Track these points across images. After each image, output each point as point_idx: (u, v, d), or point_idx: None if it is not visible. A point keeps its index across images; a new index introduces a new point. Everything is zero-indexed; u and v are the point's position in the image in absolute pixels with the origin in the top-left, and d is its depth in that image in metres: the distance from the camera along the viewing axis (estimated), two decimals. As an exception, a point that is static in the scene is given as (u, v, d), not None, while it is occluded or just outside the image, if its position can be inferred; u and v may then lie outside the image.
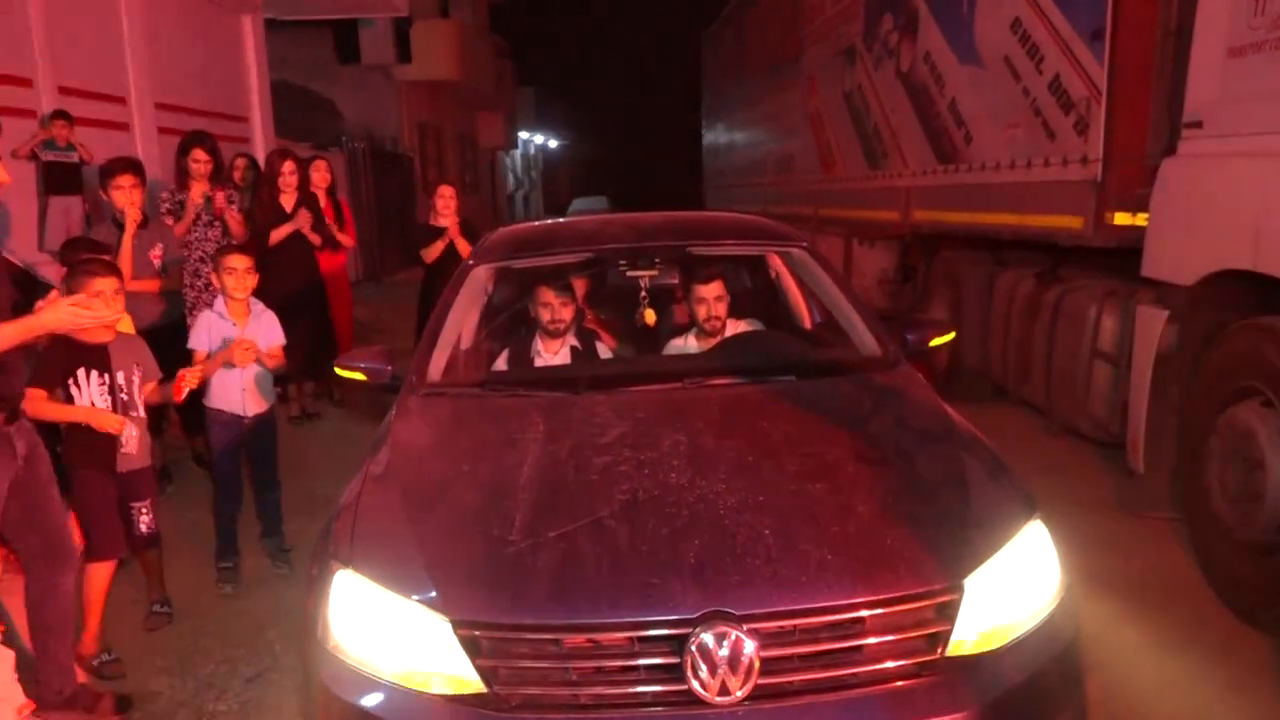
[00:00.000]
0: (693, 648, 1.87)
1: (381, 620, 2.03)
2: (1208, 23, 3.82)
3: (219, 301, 3.99)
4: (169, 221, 5.58)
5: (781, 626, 1.91)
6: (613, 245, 3.68)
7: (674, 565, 1.98)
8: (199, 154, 5.70)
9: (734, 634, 1.87)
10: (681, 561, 1.98)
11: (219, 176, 5.96)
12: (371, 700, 1.98)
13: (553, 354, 3.57)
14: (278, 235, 6.05)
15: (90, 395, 3.26)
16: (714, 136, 17.85)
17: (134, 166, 4.82)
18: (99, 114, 8.82)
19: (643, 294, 3.86)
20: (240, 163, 6.82)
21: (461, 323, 3.43)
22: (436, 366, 3.10)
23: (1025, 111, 5.52)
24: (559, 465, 2.38)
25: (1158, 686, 3.00)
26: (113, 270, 3.32)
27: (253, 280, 3.96)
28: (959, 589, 1.97)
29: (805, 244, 3.61)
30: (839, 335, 3.35)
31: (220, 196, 5.78)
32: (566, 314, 3.55)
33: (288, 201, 6.23)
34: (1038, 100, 5.37)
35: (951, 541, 2.06)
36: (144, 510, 3.45)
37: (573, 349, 3.60)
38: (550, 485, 2.30)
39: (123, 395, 3.32)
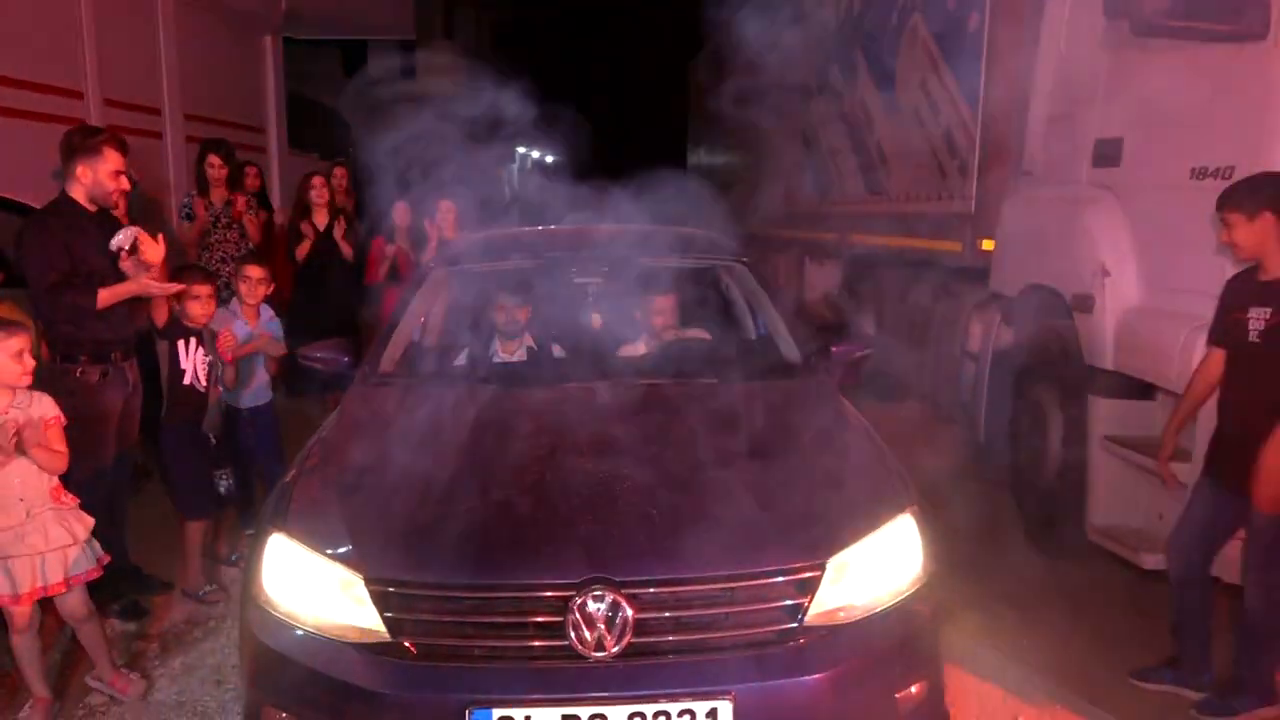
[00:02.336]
0: (574, 608, 2.14)
1: (306, 578, 2.30)
2: (1038, 95, 4.93)
3: (234, 301, 4.43)
4: (183, 227, 5.91)
5: (656, 593, 2.18)
6: (566, 254, 4.08)
7: (565, 536, 2.27)
8: (214, 159, 6.00)
9: (611, 597, 2.14)
10: (572, 533, 2.28)
11: (236, 181, 6.19)
12: (293, 646, 2.25)
13: (509, 354, 3.87)
14: (301, 252, 6.23)
15: (195, 361, 3.89)
16: (696, 159, 19.02)
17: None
18: (137, 124, 9.87)
19: (590, 299, 4.25)
20: (251, 170, 6.84)
21: (418, 320, 3.81)
22: (389, 359, 3.44)
23: (928, 155, 6.64)
24: (481, 448, 2.70)
25: (965, 598, 4.02)
26: (210, 278, 4.05)
27: (264, 289, 4.37)
28: (820, 568, 2.25)
29: (746, 260, 3.98)
30: (770, 345, 3.69)
31: (240, 201, 6.07)
32: (521, 316, 3.85)
33: (320, 218, 6.38)
34: (935, 147, 6.49)
35: (820, 527, 2.34)
36: (224, 476, 4.07)
37: (529, 349, 3.91)
38: (470, 465, 2.59)
39: (216, 371, 3.98)
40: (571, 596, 2.14)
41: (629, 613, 2.14)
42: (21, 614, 2.94)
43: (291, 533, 2.37)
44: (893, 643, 2.29)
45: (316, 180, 6.50)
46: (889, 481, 2.59)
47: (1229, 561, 3.15)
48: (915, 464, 2.88)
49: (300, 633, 2.25)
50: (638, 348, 3.85)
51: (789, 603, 2.23)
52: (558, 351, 3.87)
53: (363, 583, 2.21)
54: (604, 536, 2.27)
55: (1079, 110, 4.44)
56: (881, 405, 6.12)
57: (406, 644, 2.17)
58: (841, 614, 2.26)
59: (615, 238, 4.06)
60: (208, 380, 3.95)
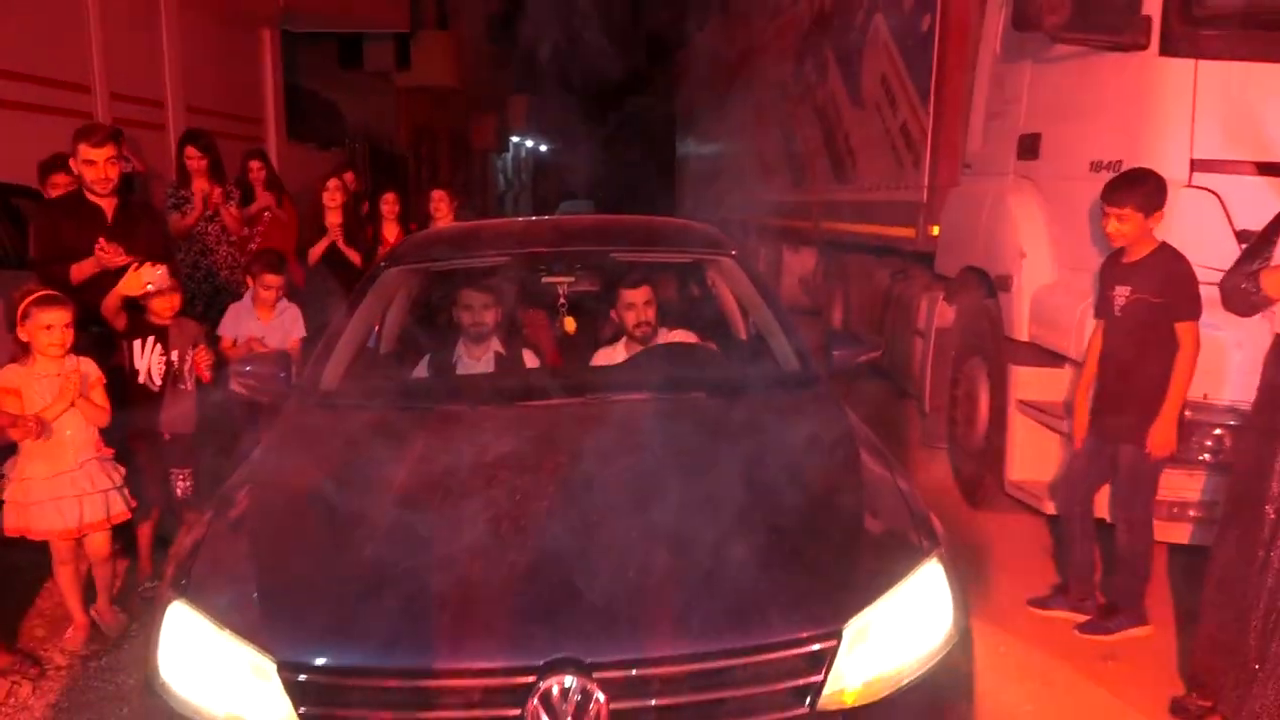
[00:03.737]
0: (535, 699, 1.74)
1: (210, 659, 1.89)
2: (980, 93, 5.40)
3: (247, 297, 4.54)
4: (174, 218, 5.77)
5: (636, 676, 1.79)
6: (534, 249, 3.58)
7: (523, 606, 1.86)
8: (190, 151, 5.90)
9: (581, 684, 1.75)
10: (532, 602, 1.86)
11: (216, 172, 6.04)
12: None
13: (476, 360, 3.52)
14: (315, 253, 6.12)
15: (149, 361, 3.84)
16: (685, 148, 19.46)
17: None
18: (142, 116, 10.32)
19: (561, 301, 3.88)
20: (254, 164, 6.70)
21: (368, 327, 3.33)
22: (332, 374, 2.94)
23: (887, 146, 7.10)
24: (425, 490, 2.26)
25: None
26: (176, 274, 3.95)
27: (280, 292, 4.53)
28: (835, 636, 1.86)
29: (733, 252, 3.48)
30: (763, 348, 3.23)
31: (218, 192, 5.92)
32: (488, 317, 3.51)
33: (333, 219, 6.24)
34: (894, 139, 6.96)
35: (832, 583, 1.95)
36: (182, 476, 3.93)
37: (497, 355, 3.55)
38: (409, 513, 2.16)
39: (174, 368, 3.87)
40: (532, 684, 1.75)
41: (602, 701, 1.75)
42: (66, 548, 3.42)
43: (194, 600, 1.94)
44: None
45: (332, 183, 6.37)
46: (909, 520, 2.18)
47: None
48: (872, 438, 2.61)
49: None
50: (616, 352, 3.54)
51: (800, 682, 1.84)
52: (528, 357, 3.58)
53: (275, 668, 1.80)
54: (572, 605, 1.84)
55: (1009, 108, 4.90)
56: (848, 384, 6.66)
57: None
58: (862, 692, 1.87)
59: (590, 229, 3.82)
60: (163, 379, 3.88)
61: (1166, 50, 3.55)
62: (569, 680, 1.75)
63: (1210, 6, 3.49)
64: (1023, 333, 4.39)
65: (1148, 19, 3.61)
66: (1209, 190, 3.47)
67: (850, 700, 1.86)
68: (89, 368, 3.43)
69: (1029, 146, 4.57)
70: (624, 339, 3.56)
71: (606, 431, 2.55)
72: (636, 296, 3.48)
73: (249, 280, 4.67)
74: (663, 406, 2.74)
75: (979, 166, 5.29)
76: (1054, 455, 4.23)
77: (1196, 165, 3.49)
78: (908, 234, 6.61)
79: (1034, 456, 4.29)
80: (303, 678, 1.81)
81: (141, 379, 3.84)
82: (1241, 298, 2.83)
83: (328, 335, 3.10)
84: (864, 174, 7.74)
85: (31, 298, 3.32)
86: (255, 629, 1.86)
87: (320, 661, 1.83)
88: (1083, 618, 3.63)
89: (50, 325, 3.31)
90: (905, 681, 1.91)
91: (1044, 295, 4.30)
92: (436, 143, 23.87)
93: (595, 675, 1.76)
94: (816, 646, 1.86)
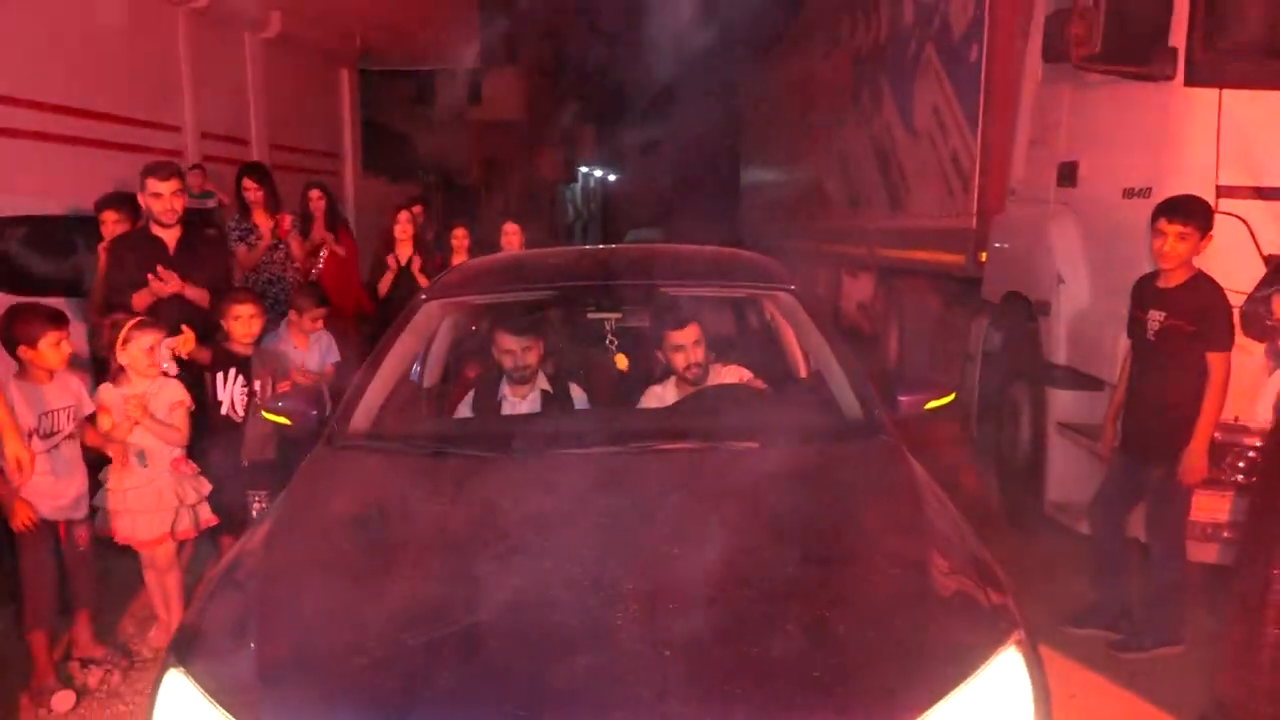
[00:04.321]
0: None
1: None
2: (1023, 120, 5.50)
3: (283, 326, 4.53)
4: (241, 249, 5.89)
5: None
6: (579, 282, 3.41)
7: (536, 696, 1.66)
8: (248, 183, 6.07)
9: None
10: (546, 692, 1.67)
11: (272, 203, 6.14)
12: None
13: (521, 398, 3.39)
14: (384, 286, 6.18)
15: (231, 393, 4.01)
16: (748, 176, 19.67)
17: (122, 203, 4.81)
18: (228, 153, 10.89)
19: (610, 339, 3.77)
20: (314, 194, 6.71)
21: (403, 362, 3.15)
22: (365, 414, 2.79)
23: (938, 174, 7.20)
24: (444, 553, 2.12)
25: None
26: (251, 298, 4.14)
27: (319, 323, 4.60)
28: None
29: (792, 287, 3.21)
30: (822, 392, 2.98)
31: (288, 220, 6.09)
32: (531, 359, 3.37)
33: (403, 252, 6.31)
34: (945, 166, 7.06)
35: (893, 678, 1.70)
36: (258, 499, 3.97)
37: (544, 394, 3.42)
38: (424, 578, 2.00)
39: (257, 399, 3.98)
40: None
41: None
42: (152, 555, 3.72)
43: (192, 671, 1.81)
44: None
45: (402, 215, 6.47)
46: (985, 599, 1.91)
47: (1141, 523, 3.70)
48: (921, 459, 2.43)
49: None
50: (667, 391, 3.35)
51: None
52: (576, 395, 3.45)
53: None
54: (588, 698, 1.66)
55: (1049, 136, 5.01)
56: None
57: None
58: None
59: (640, 260, 3.61)
60: (246, 410, 4.02)
61: (1191, 80, 3.64)
62: None
63: (1233, 37, 3.58)
64: (1061, 357, 4.47)
65: (1174, 50, 3.71)
66: (1235, 216, 3.54)
67: None
68: (172, 391, 3.72)
69: (1067, 174, 4.67)
70: (673, 379, 3.35)
71: (647, 488, 2.36)
72: (684, 338, 3.24)
73: (293, 313, 4.62)
74: (710, 459, 2.53)
75: (1022, 193, 5.38)
76: (1091, 477, 4.28)
77: (1222, 191, 3.56)
78: (958, 260, 6.69)
79: (1072, 478, 4.35)
80: None
81: (224, 410, 4.00)
82: (1257, 323, 2.91)
83: (363, 370, 2.95)
84: (917, 201, 7.84)
85: (133, 323, 3.64)
86: (246, 705, 1.71)
87: None
88: (1116, 636, 3.69)
89: (151, 348, 3.60)
90: None
91: (1081, 320, 4.38)
92: (507, 174, 24.47)
93: None
94: None
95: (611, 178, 38.60)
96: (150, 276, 4.14)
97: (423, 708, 1.67)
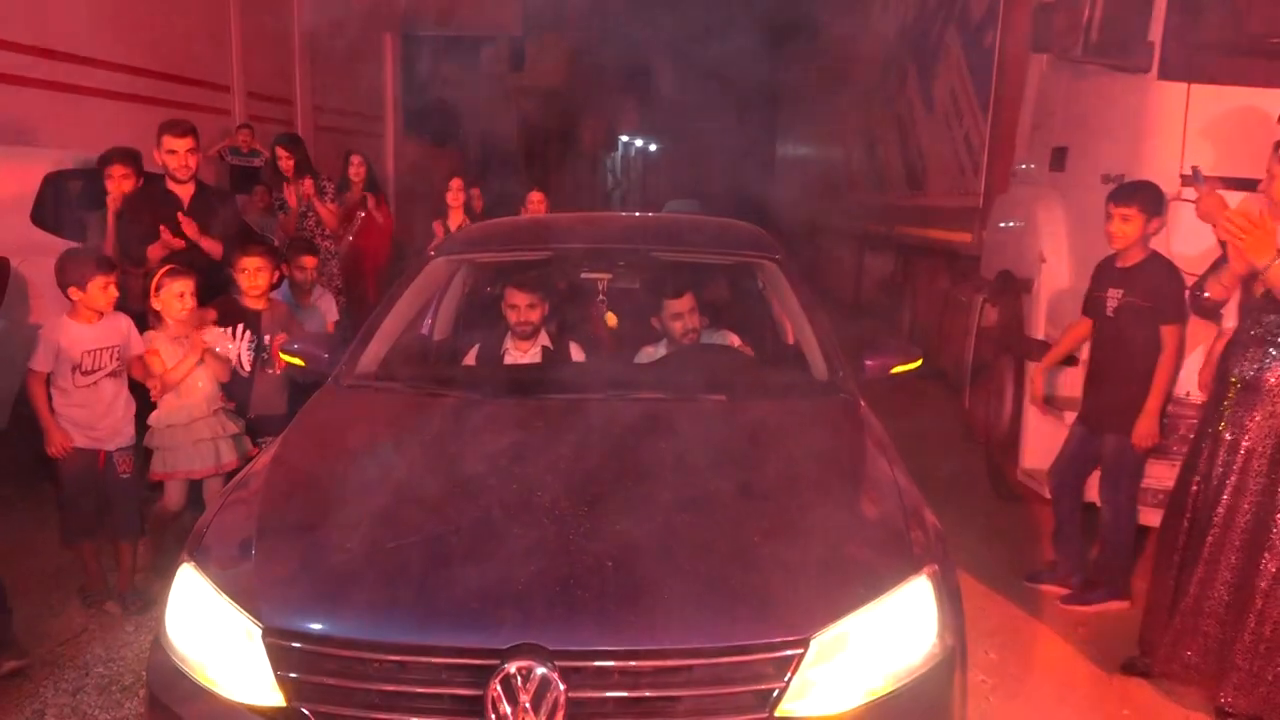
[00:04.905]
0: (496, 681, 1.79)
1: (208, 621, 2.00)
2: (1028, 105, 5.70)
3: (284, 286, 4.59)
4: (280, 217, 6.14)
5: (597, 667, 1.83)
6: (576, 245, 3.67)
7: (498, 591, 1.90)
8: (280, 151, 6.34)
9: (540, 670, 1.79)
10: (507, 588, 1.90)
11: (302, 171, 6.30)
12: (183, 704, 1.97)
13: (522, 353, 3.60)
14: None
15: (240, 347, 4.05)
16: (782, 151, 19.81)
17: (125, 156, 4.77)
18: (273, 114, 11.32)
19: (600, 298, 3.96)
20: (355, 159, 6.95)
21: (407, 314, 3.37)
22: (370, 358, 3.04)
23: (952, 155, 7.40)
24: (430, 473, 2.37)
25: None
26: (260, 251, 4.19)
27: (310, 278, 4.81)
28: (802, 644, 1.86)
29: (777, 257, 3.45)
30: (795, 355, 3.26)
31: (308, 183, 6.19)
32: (533, 315, 3.57)
33: (454, 220, 6.50)
34: (958, 148, 7.26)
35: (808, 592, 1.94)
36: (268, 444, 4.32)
37: (545, 349, 3.63)
38: (411, 494, 2.26)
39: (264, 354, 4.09)
40: (495, 666, 1.80)
41: (561, 689, 1.79)
42: (213, 485, 3.94)
43: (202, 565, 2.08)
44: None
45: (454, 183, 6.62)
46: (904, 533, 2.15)
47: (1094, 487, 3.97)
48: (917, 431, 2.81)
49: (197, 688, 1.97)
50: (658, 351, 3.59)
51: (761, 687, 1.85)
52: (575, 352, 3.66)
53: (260, 633, 1.90)
54: (543, 594, 1.90)
55: (1048, 121, 5.22)
56: (912, 384, 7.00)
57: (304, 711, 1.87)
58: (828, 703, 1.88)
59: (635, 227, 3.90)
60: (251, 364, 4.08)
61: (1164, 74, 3.85)
62: (530, 665, 1.79)
63: (1202, 35, 3.78)
64: (1040, 331, 4.72)
65: (1151, 44, 3.92)
66: (1194, 203, 3.76)
67: (812, 709, 1.86)
68: (210, 334, 3.95)
69: (1058, 158, 4.88)
70: (665, 340, 3.59)
71: (617, 429, 2.57)
72: (681, 306, 3.48)
73: (284, 269, 4.65)
74: (678, 409, 2.75)
75: (1021, 175, 5.60)
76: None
77: (1186, 180, 3.79)
78: (965, 238, 6.92)
79: (1044, 447, 4.60)
80: (283, 644, 1.89)
81: (233, 364, 4.02)
82: (1198, 303, 3.16)
83: (370, 319, 3.23)
84: (932, 181, 8.05)
85: (164, 270, 3.92)
86: (247, 596, 1.96)
87: (300, 630, 1.91)
88: (1066, 591, 3.97)
89: (182, 293, 3.88)
90: (876, 696, 1.90)
91: (1059, 298, 4.61)
92: (547, 141, 24.71)
93: (556, 663, 1.80)
94: (782, 653, 1.85)
95: (652, 148, 38.72)
96: (163, 228, 4.32)
97: (397, 596, 1.94)
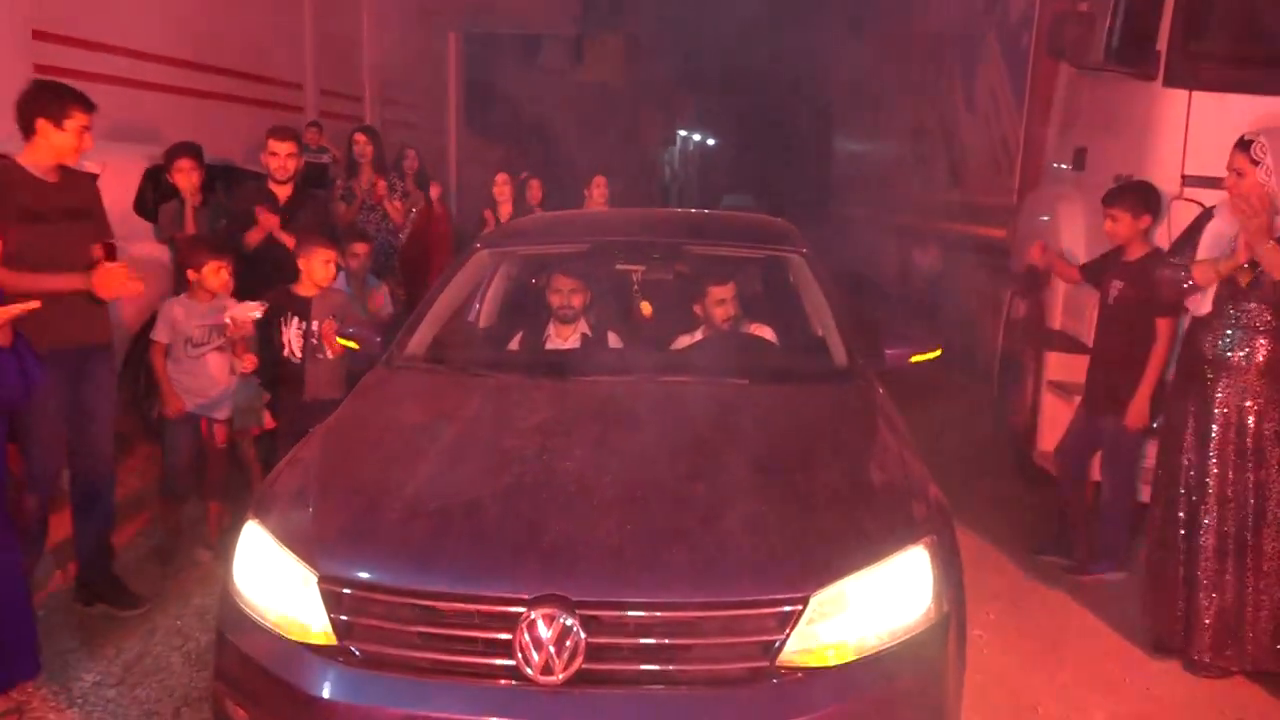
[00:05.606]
0: (524, 626, 1.98)
1: (271, 571, 2.23)
2: (1058, 106, 5.94)
3: (341, 277, 4.75)
4: (340, 207, 6.16)
5: (615, 616, 2.02)
6: (614, 238, 4.00)
7: (526, 547, 2.13)
8: (359, 137, 6.48)
9: (563, 617, 1.98)
10: (535, 544, 2.13)
11: (381, 164, 6.47)
12: (251, 642, 2.20)
13: (563, 340, 3.76)
14: None
15: (290, 335, 4.19)
16: (837, 146, 19.98)
17: (191, 151, 5.05)
18: (343, 110, 11.88)
19: (635, 288, 4.24)
20: (410, 153, 7.09)
21: (457, 302, 3.64)
22: (419, 341, 3.30)
23: (990, 153, 7.64)
24: (470, 444, 2.62)
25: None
26: (331, 246, 4.32)
27: (367, 262, 5.15)
28: (802, 601, 2.03)
29: (804, 251, 3.69)
30: (818, 344, 3.44)
31: (381, 185, 6.31)
32: (576, 301, 3.76)
33: (504, 212, 6.67)
34: (995, 146, 7.50)
35: (811, 554, 2.13)
36: None
37: (584, 336, 3.81)
38: (452, 460, 2.52)
39: (313, 340, 4.17)
40: (523, 613, 2.01)
41: (581, 636, 1.98)
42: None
43: (265, 521, 2.33)
44: (882, 693, 2.08)
45: (500, 177, 6.82)
46: (906, 505, 2.35)
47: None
48: (953, 417, 3.05)
49: (259, 628, 2.20)
50: (694, 339, 3.76)
51: (763, 638, 2.04)
52: (613, 340, 3.84)
53: (316, 580, 2.14)
54: (568, 549, 2.13)
55: (1071, 123, 5.48)
56: (948, 374, 7.28)
57: (353, 649, 2.10)
58: (825, 655, 2.05)
59: (669, 222, 4.18)
60: (303, 350, 4.20)
61: (1168, 82, 4.12)
62: (554, 613, 1.99)
63: (1204, 46, 4.04)
64: (1057, 321, 5.00)
65: (1159, 53, 4.19)
66: (1196, 202, 4.02)
67: (810, 660, 2.03)
68: (239, 308, 4.04)
69: (1079, 159, 5.15)
70: (701, 328, 3.76)
71: (644, 407, 2.82)
72: (725, 292, 3.66)
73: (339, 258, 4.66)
74: (704, 390, 2.96)
75: (1050, 173, 5.86)
76: (1074, 429, 4.82)
77: (1187, 180, 4.05)
78: (1000, 234, 7.17)
79: (1058, 431, 4.88)
80: (335, 589, 2.12)
81: (286, 352, 4.20)
82: (1175, 287, 3.43)
83: (419, 308, 3.50)
84: (972, 178, 8.29)
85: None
86: (304, 546, 2.20)
87: (350, 577, 2.13)
88: (1068, 561, 4.27)
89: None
90: (870, 651, 2.06)
91: (1075, 290, 4.89)
92: (606, 135, 25.12)
93: (578, 611, 1.99)
94: (784, 609, 2.03)
95: (709, 142, 38.99)
96: (258, 209, 4.72)
97: (436, 548, 2.17)
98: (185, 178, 4.95)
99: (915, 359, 3.15)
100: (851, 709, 2.05)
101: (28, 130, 3.33)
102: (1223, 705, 3.28)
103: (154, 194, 5.47)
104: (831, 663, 2.04)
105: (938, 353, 3.19)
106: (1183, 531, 3.37)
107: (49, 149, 3.35)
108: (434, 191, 7.19)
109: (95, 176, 3.82)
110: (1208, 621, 3.27)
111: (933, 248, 10.41)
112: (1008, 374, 6.15)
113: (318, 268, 4.22)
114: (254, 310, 4.00)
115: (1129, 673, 3.47)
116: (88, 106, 3.37)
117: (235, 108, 9.20)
